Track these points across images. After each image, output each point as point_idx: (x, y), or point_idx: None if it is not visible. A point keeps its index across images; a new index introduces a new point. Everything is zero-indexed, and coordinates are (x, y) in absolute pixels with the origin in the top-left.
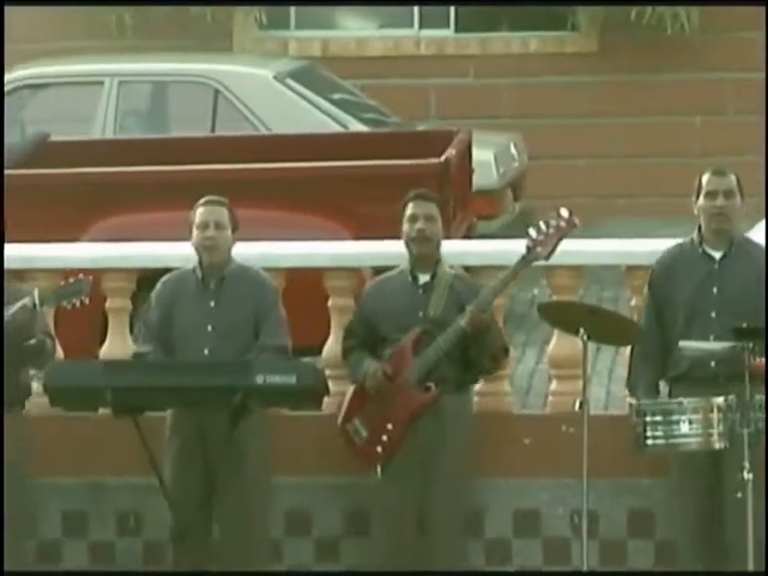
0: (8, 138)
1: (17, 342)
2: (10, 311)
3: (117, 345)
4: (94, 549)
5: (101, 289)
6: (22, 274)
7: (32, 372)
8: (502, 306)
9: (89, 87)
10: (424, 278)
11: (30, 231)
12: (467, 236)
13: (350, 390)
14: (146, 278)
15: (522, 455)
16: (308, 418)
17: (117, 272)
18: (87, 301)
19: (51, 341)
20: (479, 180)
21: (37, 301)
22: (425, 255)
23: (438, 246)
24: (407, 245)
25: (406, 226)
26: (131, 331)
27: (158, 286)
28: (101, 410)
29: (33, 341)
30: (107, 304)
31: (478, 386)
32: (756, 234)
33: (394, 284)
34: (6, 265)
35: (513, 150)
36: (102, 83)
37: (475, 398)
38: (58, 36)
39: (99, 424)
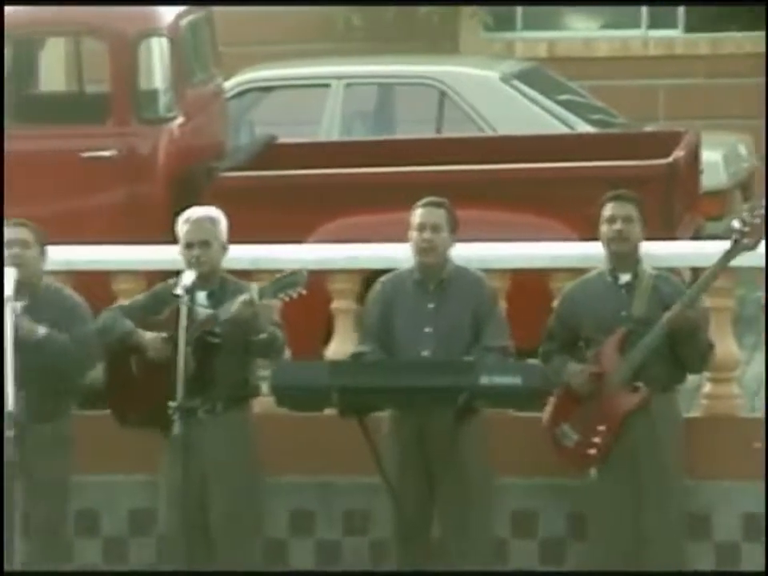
0: (237, 140)
1: (241, 337)
2: (228, 309)
3: (342, 345)
4: (320, 548)
5: (327, 290)
6: (249, 275)
7: (261, 373)
8: (730, 308)
9: (315, 90)
10: (625, 278)
11: (257, 233)
12: (696, 237)
13: (555, 394)
14: (372, 279)
15: (752, 458)
16: (532, 419)
17: (343, 273)
18: (304, 292)
19: (281, 331)
20: (707, 181)
21: (256, 295)
22: (624, 255)
23: (636, 246)
24: (606, 245)
25: (604, 227)
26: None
27: (376, 286)
28: (327, 411)
29: (263, 335)
30: (333, 305)
31: (706, 389)
32: None
33: (595, 285)
34: (233, 266)
35: (742, 150)
36: (328, 86)
37: (703, 401)
38: (288, 38)
39: (328, 424)
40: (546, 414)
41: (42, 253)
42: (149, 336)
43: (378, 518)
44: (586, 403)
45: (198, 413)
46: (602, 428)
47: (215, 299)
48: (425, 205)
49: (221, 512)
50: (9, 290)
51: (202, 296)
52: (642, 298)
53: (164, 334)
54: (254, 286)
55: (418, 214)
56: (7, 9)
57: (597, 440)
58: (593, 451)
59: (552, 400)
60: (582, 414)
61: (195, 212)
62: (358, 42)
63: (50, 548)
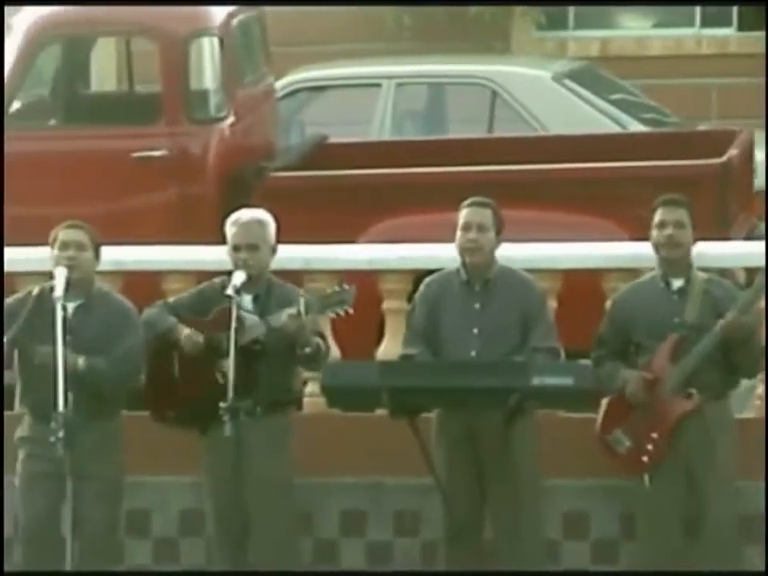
0: (287, 140)
1: (286, 347)
2: (278, 319)
3: (394, 345)
4: (370, 548)
5: (378, 290)
6: (300, 276)
7: (305, 375)
8: None
9: (366, 89)
10: (677, 283)
11: (308, 233)
12: (749, 237)
13: (606, 400)
14: (422, 279)
15: None
16: (584, 420)
17: (394, 273)
18: (351, 311)
19: (323, 341)
20: (761, 180)
21: (303, 309)
22: (675, 261)
23: (688, 251)
24: (657, 251)
25: (654, 232)
26: None
27: (422, 287)
28: (378, 411)
29: (307, 349)
30: (384, 305)
31: (759, 390)
32: None
33: (647, 291)
34: (286, 266)
35: None
36: (379, 85)
37: (757, 402)
38: (338, 38)
39: (378, 424)
40: (597, 420)
41: (97, 255)
42: (186, 332)
43: (429, 519)
44: (638, 410)
45: (240, 415)
46: (654, 435)
47: (260, 303)
48: (470, 204)
49: (257, 515)
50: (60, 290)
51: (247, 299)
52: (694, 303)
53: (200, 338)
54: (302, 300)
55: (463, 214)
56: (57, 8)
57: (650, 447)
58: (645, 458)
59: (603, 406)
60: (634, 421)
61: (243, 214)
62: (408, 42)
63: (101, 549)
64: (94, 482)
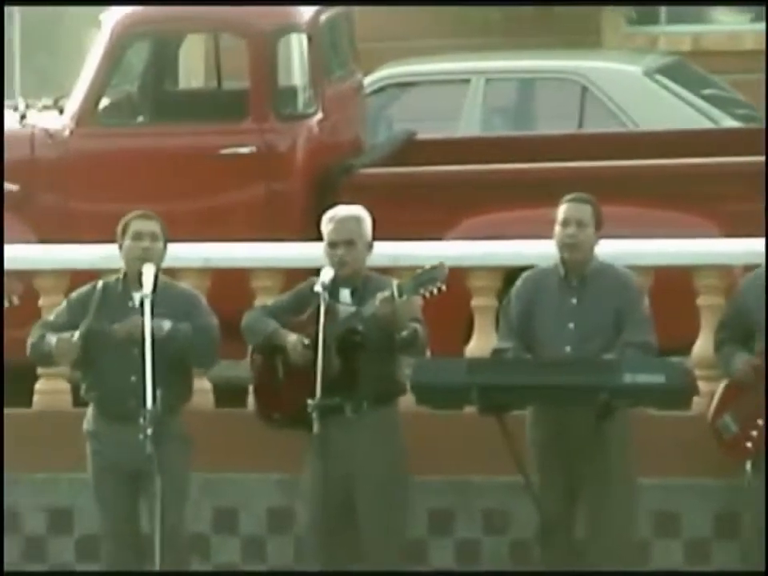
0: (375, 136)
1: (383, 334)
2: (370, 306)
3: (482, 343)
4: (459, 547)
5: (466, 286)
6: (388, 273)
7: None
8: None
9: (455, 85)
10: None
11: (396, 229)
12: None
13: (721, 385)
14: (514, 275)
15: None
16: (676, 418)
17: (482, 270)
18: (444, 288)
19: (423, 327)
20: None
21: (396, 291)
22: None
23: None
24: None
25: None
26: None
27: (518, 282)
28: (467, 408)
29: (404, 333)
30: (473, 302)
31: None
32: None
33: None
34: (373, 263)
35: None
36: (468, 81)
37: None
38: (426, 34)
39: (467, 422)
40: (711, 405)
41: (165, 246)
42: (291, 339)
43: (518, 518)
44: (749, 396)
45: (346, 411)
46: (760, 422)
47: (358, 296)
48: (570, 200)
49: (369, 513)
50: (149, 286)
51: (345, 294)
52: None
53: (306, 340)
54: (394, 283)
55: (563, 210)
56: (145, 7)
57: (754, 433)
58: (749, 444)
59: (718, 392)
60: (743, 406)
61: (340, 211)
62: (497, 37)
63: (180, 546)
64: (166, 477)
